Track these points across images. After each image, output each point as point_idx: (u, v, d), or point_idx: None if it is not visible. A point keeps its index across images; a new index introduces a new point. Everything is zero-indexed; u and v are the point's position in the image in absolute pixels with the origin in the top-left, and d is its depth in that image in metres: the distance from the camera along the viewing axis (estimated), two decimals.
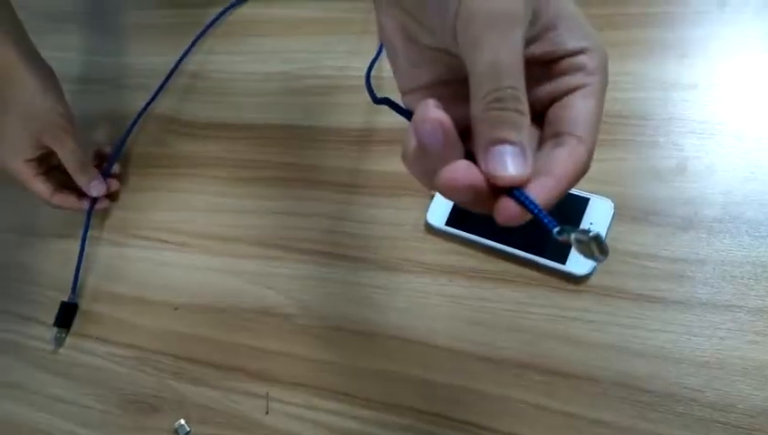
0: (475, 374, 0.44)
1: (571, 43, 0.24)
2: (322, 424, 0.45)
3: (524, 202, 0.22)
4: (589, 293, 0.43)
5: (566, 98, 0.24)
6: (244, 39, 0.65)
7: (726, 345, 0.40)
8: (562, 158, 0.23)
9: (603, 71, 0.24)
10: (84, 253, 0.57)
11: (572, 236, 0.22)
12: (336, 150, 0.55)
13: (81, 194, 0.58)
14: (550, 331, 0.43)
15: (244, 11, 0.67)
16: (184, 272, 0.55)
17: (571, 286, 0.44)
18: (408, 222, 0.50)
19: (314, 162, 0.56)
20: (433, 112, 0.21)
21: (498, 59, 0.21)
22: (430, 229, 0.49)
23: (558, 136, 0.24)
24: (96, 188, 0.58)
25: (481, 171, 0.22)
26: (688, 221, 0.43)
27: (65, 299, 0.56)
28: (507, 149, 0.22)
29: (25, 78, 0.53)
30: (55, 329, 0.55)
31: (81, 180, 0.57)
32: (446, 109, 0.22)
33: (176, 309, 0.53)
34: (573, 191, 0.45)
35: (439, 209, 0.48)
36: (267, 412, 0.46)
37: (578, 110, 0.23)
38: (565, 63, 0.24)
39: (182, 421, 0.47)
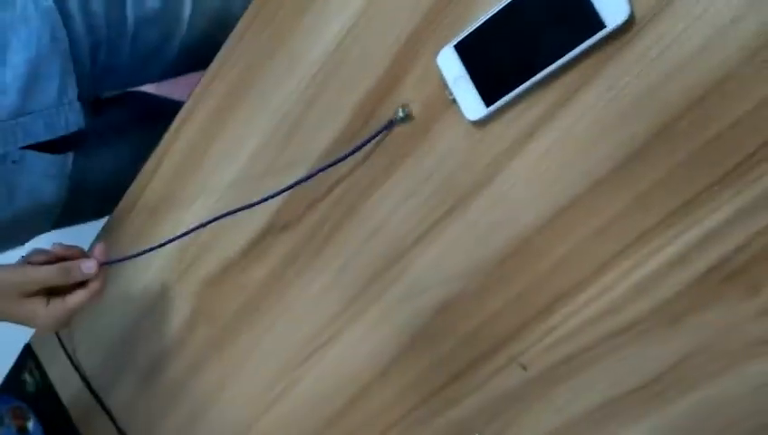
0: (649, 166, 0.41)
1: None
2: None
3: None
4: (647, 25, 0.39)
5: None
6: None
7: None
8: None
9: None
10: None
11: None
12: None
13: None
14: (652, 81, 0.40)
15: None
16: None
17: (630, 35, 0.40)
18: (459, 138, 0.47)
19: None
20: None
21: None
22: (480, 123, 0.46)
23: None
24: (88, 265, 0.58)
25: None
26: None
27: None
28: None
29: None
30: None
31: (74, 275, 0.58)
32: None
33: None
34: None
35: (470, 102, 0.46)
36: None
37: None
38: None
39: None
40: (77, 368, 0.80)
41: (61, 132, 0.67)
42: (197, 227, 0.57)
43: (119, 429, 0.77)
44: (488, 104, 0.45)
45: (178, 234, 0.58)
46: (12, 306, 0.57)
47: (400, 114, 0.49)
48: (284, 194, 0.54)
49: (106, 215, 0.76)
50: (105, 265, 0.59)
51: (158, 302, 0.69)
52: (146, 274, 0.69)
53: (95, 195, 0.78)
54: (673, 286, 0.42)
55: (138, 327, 0.72)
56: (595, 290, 0.44)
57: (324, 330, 0.57)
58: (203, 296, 0.65)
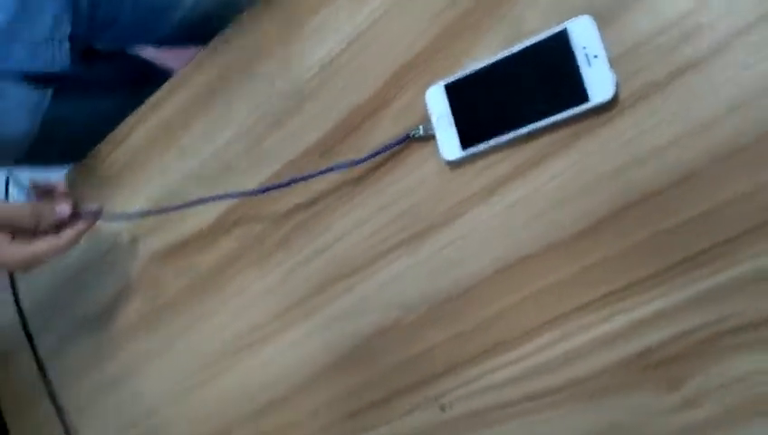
0: (600, 242, 0.42)
1: None
2: None
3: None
4: (628, 109, 0.41)
5: None
6: None
7: None
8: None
9: None
10: None
11: None
12: None
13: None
14: (620, 163, 0.41)
15: None
16: None
17: (609, 114, 0.41)
18: (429, 173, 0.48)
19: None
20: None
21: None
22: (453, 165, 0.47)
23: None
24: (61, 207, 0.55)
25: None
26: None
27: None
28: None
29: None
30: None
31: (46, 216, 0.54)
32: None
33: None
34: (546, 33, 0.42)
35: (448, 142, 0.46)
36: None
37: None
38: None
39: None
40: (17, 301, 0.77)
41: (44, 67, 0.65)
42: (180, 207, 0.56)
43: (41, 368, 0.74)
44: (465, 148, 0.46)
45: (159, 208, 0.57)
46: None
47: (420, 132, 0.47)
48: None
49: (69, 163, 0.75)
50: (78, 215, 0.56)
51: (105, 258, 0.68)
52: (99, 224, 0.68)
53: (65, 141, 0.77)
54: (599, 363, 0.42)
55: (81, 275, 0.70)
56: (526, 350, 0.45)
57: (257, 330, 0.56)
58: (147, 268, 0.64)
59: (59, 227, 0.56)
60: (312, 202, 0.53)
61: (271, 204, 0.55)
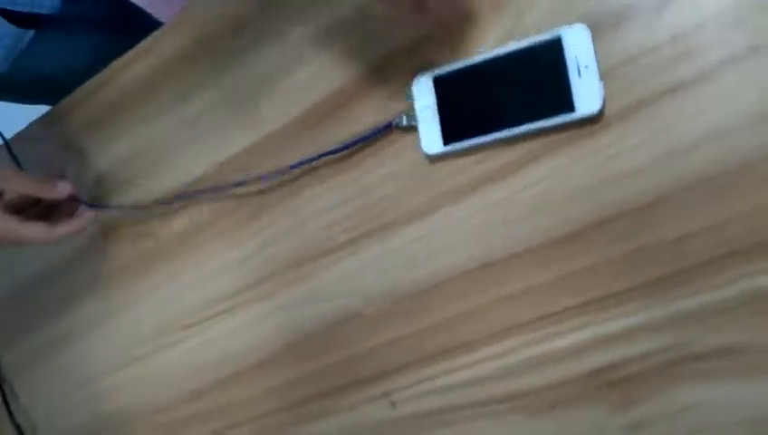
0: (576, 254, 0.42)
1: None
2: None
3: None
4: (613, 124, 0.40)
5: None
6: None
7: None
8: None
9: None
10: None
11: None
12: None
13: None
14: (601, 177, 0.41)
15: None
16: None
17: (594, 128, 0.41)
18: (407, 165, 0.47)
19: None
20: None
21: None
22: (433, 159, 0.46)
23: None
24: (63, 185, 0.52)
25: None
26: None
27: None
28: None
29: None
30: None
31: (46, 190, 0.52)
32: None
33: None
34: (540, 37, 0.41)
35: (430, 135, 0.45)
36: None
37: None
38: None
39: None
40: None
41: (36, 9, 0.63)
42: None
43: None
44: (446, 143, 0.45)
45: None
46: None
47: (403, 121, 0.46)
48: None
49: (35, 103, 0.73)
50: (76, 201, 0.54)
51: None
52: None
53: (36, 80, 0.74)
54: (561, 373, 0.43)
55: None
56: (486, 353, 0.45)
57: (216, 304, 0.56)
58: (108, 228, 0.62)
59: (51, 214, 0.54)
60: (289, 178, 0.52)
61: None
